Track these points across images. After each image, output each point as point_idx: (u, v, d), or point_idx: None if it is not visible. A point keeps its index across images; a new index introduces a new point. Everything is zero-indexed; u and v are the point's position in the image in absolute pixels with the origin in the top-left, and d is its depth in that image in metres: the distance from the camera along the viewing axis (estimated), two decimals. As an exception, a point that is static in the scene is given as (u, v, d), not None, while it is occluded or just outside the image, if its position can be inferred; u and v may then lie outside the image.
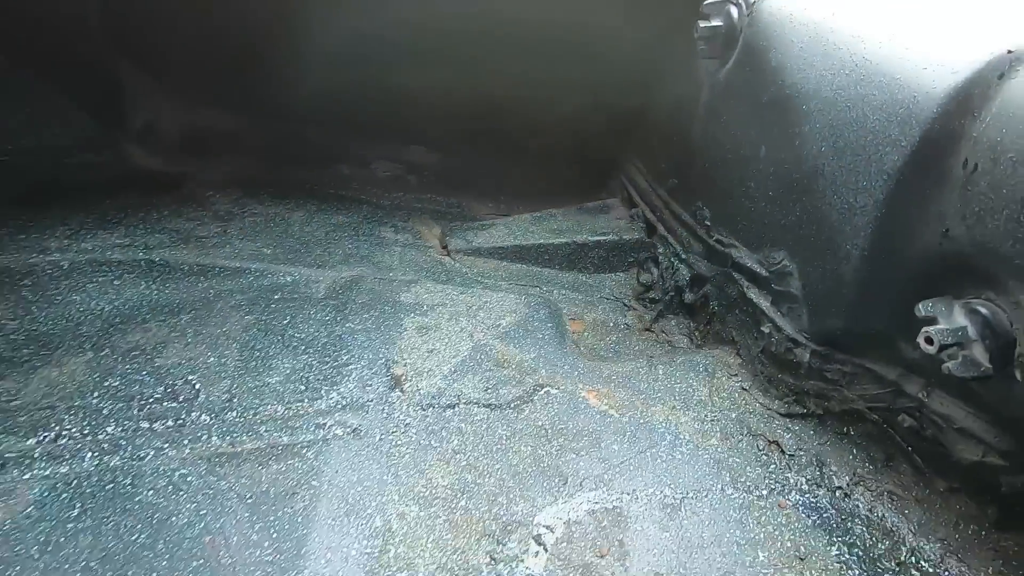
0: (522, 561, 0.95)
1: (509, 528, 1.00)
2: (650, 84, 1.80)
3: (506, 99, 2.11)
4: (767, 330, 1.20)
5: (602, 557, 0.96)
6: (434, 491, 1.06)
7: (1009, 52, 0.74)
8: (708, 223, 1.43)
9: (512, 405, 1.26)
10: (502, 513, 1.03)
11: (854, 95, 0.91)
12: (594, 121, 2.07)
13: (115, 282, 1.52)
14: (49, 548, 0.94)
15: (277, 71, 2.01)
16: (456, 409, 1.24)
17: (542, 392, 1.30)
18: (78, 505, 1.01)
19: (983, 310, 0.79)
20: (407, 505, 1.04)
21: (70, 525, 0.98)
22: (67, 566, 0.92)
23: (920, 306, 0.83)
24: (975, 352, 0.79)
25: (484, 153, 2.29)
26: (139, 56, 1.95)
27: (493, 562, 0.95)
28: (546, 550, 0.96)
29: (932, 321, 0.82)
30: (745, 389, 1.28)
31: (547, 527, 1.00)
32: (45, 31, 1.70)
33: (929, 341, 0.80)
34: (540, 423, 1.21)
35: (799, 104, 1.03)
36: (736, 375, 1.32)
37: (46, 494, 1.03)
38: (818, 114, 0.99)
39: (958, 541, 0.96)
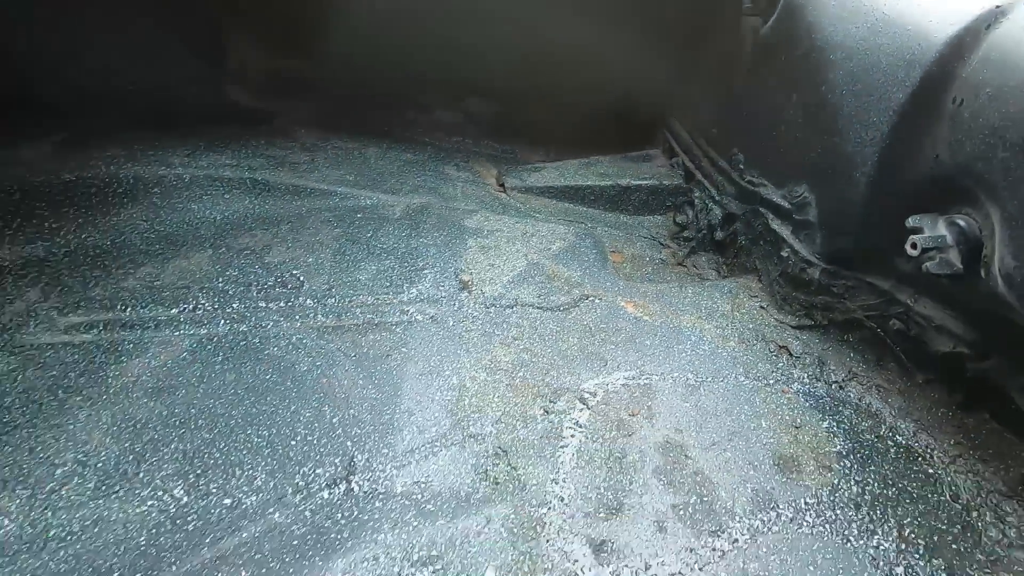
0: (569, 414, 1.19)
1: (559, 392, 1.24)
2: (696, 44, 1.96)
3: (560, 57, 2.29)
4: (786, 254, 1.40)
5: (633, 416, 1.19)
6: (498, 364, 1.31)
7: (997, 7, 0.91)
8: (742, 166, 1.61)
9: (561, 308, 1.49)
10: (553, 382, 1.27)
11: (872, 44, 1.09)
12: (642, 79, 2.24)
13: (225, 195, 1.79)
14: (204, 380, 1.23)
15: (351, 24, 2.24)
16: (514, 309, 1.48)
17: (587, 300, 1.52)
18: (220, 354, 1.29)
19: (961, 222, 0.98)
20: (477, 372, 1.29)
21: (217, 367, 1.26)
22: (219, 390, 1.20)
23: (910, 219, 1.02)
24: (950, 256, 0.98)
25: (538, 106, 2.49)
26: (234, 7, 2.19)
27: (546, 413, 1.19)
28: (588, 408, 1.20)
29: (918, 231, 1.01)
30: (763, 307, 1.48)
31: (590, 393, 1.24)
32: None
33: (914, 246, 1.00)
34: (585, 322, 1.45)
35: (828, 54, 1.21)
36: (756, 297, 1.53)
37: (195, 346, 1.31)
38: (842, 62, 1.17)
39: (929, 421, 1.16)
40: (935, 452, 1.12)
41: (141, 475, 1.04)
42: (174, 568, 0.87)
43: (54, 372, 1.24)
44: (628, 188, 1.99)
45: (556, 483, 1.06)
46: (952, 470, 1.09)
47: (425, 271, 1.57)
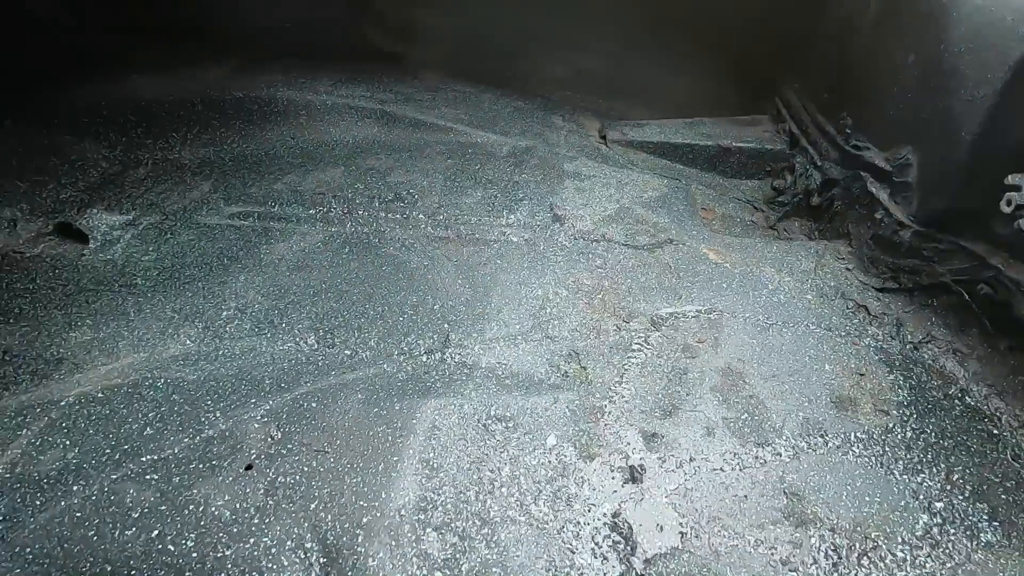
0: (639, 333, 1.31)
1: (633, 314, 1.36)
2: (816, 6, 1.93)
3: (673, 17, 2.32)
4: (880, 216, 1.40)
5: (700, 343, 1.29)
6: (579, 286, 1.45)
7: None
8: (849, 131, 1.60)
9: (645, 248, 1.59)
10: (628, 306, 1.39)
11: (998, 1, 1.07)
12: (756, 42, 2.22)
13: (358, 123, 2.04)
14: (333, 264, 1.47)
15: None
16: (600, 243, 1.60)
17: (670, 244, 1.61)
18: (347, 247, 1.53)
19: (1064, 182, 0.97)
20: (559, 289, 1.43)
21: (343, 256, 1.50)
22: (345, 274, 1.43)
23: (1009, 177, 1.02)
24: (1047, 215, 0.98)
25: (646, 65, 2.54)
26: None
27: (618, 330, 1.32)
28: (658, 329, 1.32)
29: (1016, 189, 1.01)
30: (848, 270, 1.50)
31: (661, 318, 1.35)
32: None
33: (1008, 203, 1.00)
34: (665, 261, 1.54)
35: (951, 11, 1.19)
36: (843, 259, 1.54)
37: (327, 239, 1.56)
38: (966, 19, 1.15)
39: (1004, 387, 1.16)
40: (1004, 416, 1.13)
41: (284, 325, 1.30)
42: (308, 385, 1.11)
43: (221, 245, 1.54)
44: (728, 149, 2.02)
45: (619, 384, 1.19)
46: (1020, 434, 1.10)
47: (523, 202, 1.73)
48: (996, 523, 0.97)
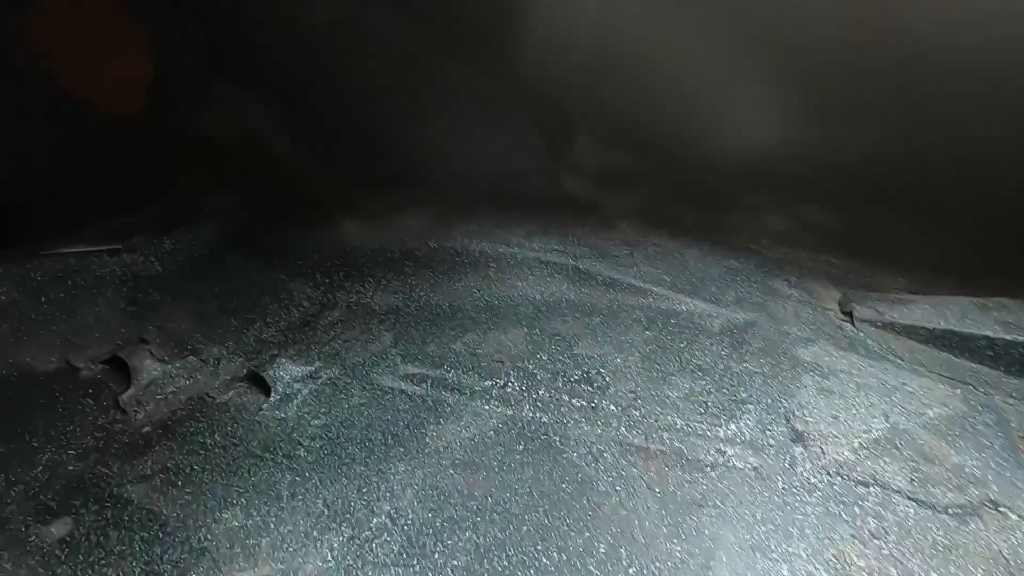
0: None
1: (955, 652, 0.84)
2: None
3: (936, 157, 1.85)
4: None
5: None
6: (847, 568, 0.97)
7: None
8: None
9: (950, 512, 1.06)
10: (942, 630, 0.87)
11: None
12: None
13: (547, 279, 1.86)
14: (504, 468, 1.20)
15: (682, 118, 2.23)
16: (871, 489, 1.12)
17: (994, 511, 1.06)
18: (523, 443, 1.26)
19: None
20: (815, 567, 0.97)
21: (516, 455, 1.23)
22: (516, 486, 1.15)
23: None
24: None
25: (899, 218, 2.05)
26: (577, 101, 2.40)
27: None
28: None
29: None
30: None
31: (1016, 677, 0.80)
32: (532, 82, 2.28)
33: None
34: (995, 547, 0.99)
35: None
36: None
37: (500, 426, 1.31)
38: None
39: None
40: None
41: (436, 555, 1.03)
42: None
43: (389, 416, 1.38)
44: (1057, 351, 1.41)
45: None
46: None
47: (748, 405, 1.33)
48: None
